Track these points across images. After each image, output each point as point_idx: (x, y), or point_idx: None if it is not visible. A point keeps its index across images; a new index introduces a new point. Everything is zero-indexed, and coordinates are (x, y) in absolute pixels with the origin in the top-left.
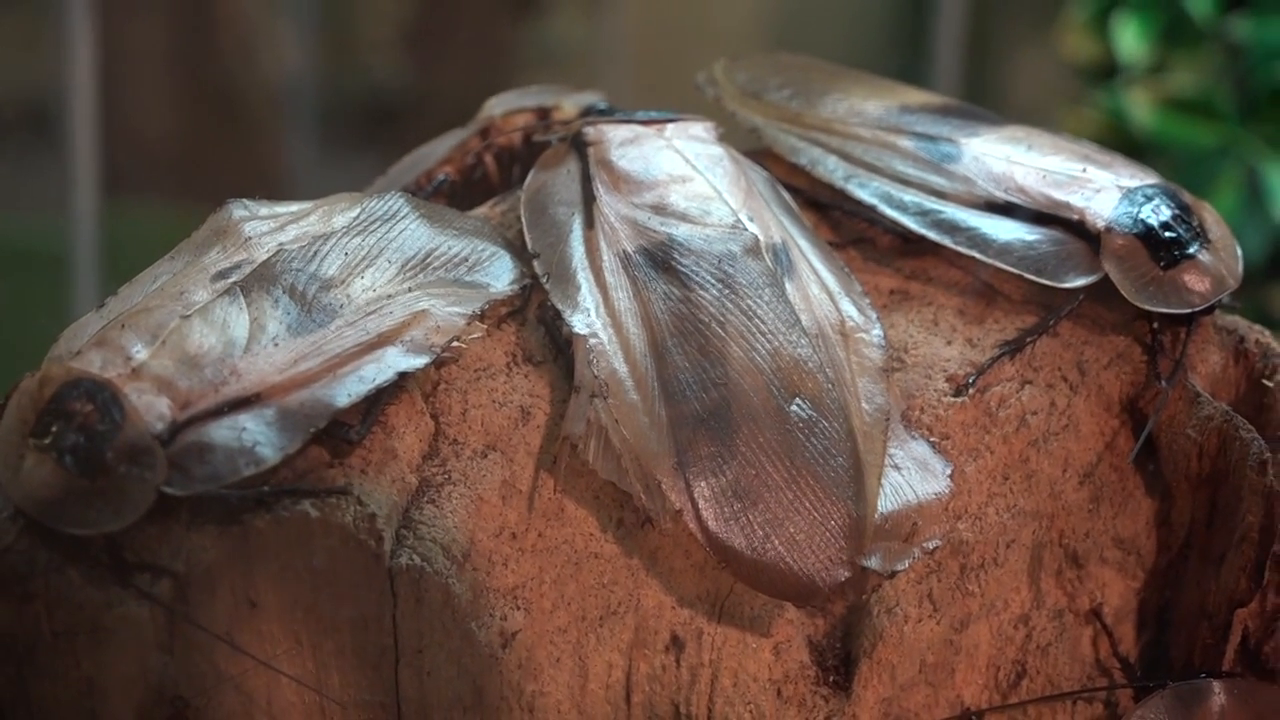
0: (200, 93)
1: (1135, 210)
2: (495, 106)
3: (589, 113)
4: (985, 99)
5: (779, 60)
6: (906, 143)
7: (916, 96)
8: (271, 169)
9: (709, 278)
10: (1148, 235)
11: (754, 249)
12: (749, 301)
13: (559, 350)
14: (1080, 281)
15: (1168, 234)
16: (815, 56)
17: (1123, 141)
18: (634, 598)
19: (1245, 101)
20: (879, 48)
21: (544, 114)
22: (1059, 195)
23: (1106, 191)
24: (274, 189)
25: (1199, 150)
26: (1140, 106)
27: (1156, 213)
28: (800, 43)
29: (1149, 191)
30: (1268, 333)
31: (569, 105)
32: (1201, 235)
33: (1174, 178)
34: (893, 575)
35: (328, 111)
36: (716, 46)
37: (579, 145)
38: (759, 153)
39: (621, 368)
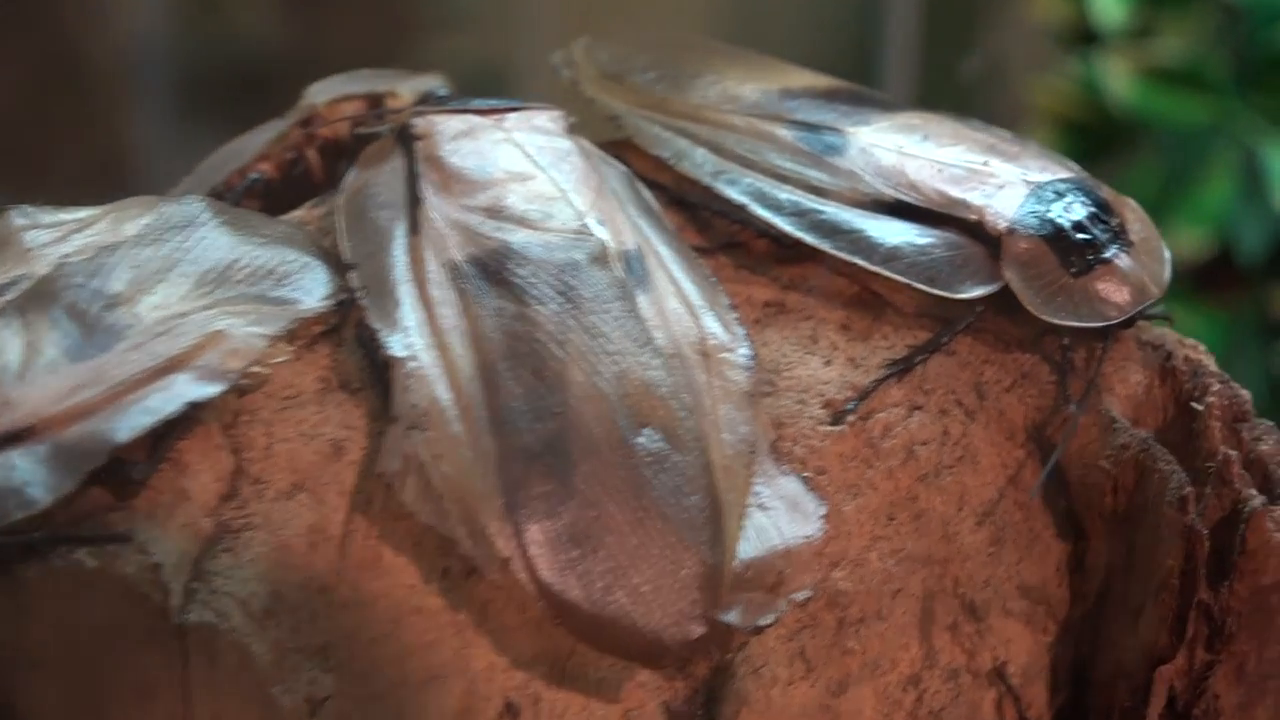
0: (34, 60)
1: (1043, 208)
2: (318, 93)
3: (428, 100)
4: (946, 67)
5: (648, 38)
6: (785, 132)
7: (801, 78)
8: (119, 150)
9: (548, 291)
10: (1056, 237)
11: (601, 257)
12: (593, 317)
13: (378, 375)
14: (978, 291)
15: (1080, 236)
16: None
17: (1098, 118)
18: (461, 659)
19: (1242, 71)
20: (835, 8)
21: (375, 101)
22: (956, 192)
23: (1011, 187)
24: (121, 173)
25: (1187, 128)
26: (1119, 77)
27: (1068, 211)
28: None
29: (1060, 187)
30: (1201, 347)
31: (405, 91)
32: (1121, 236)
33: (1159, 161)
34: (758, 631)
35: (188, 81)
36: (646, 7)
37: (405, 139)
38: (619, 145)
39: (444, 395)
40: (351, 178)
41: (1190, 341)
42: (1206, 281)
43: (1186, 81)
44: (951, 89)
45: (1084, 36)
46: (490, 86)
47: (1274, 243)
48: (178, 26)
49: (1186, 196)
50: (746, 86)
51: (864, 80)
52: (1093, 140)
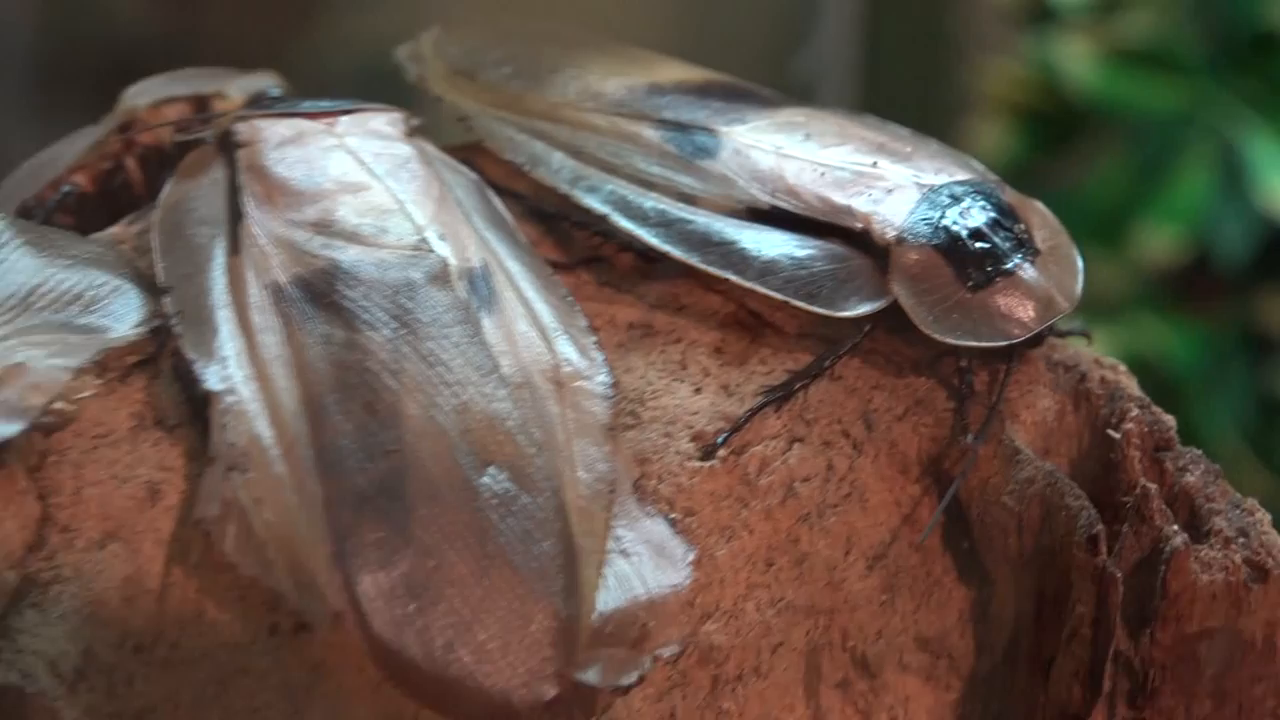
0: None
1: (936, 214)
2: (138, 95)
3: (259, 102)
4: (888, 46)
5: (505, 28)
6: (652, 133)
7: (671, 72)
8: None
9: (381, 314)
10: (951, 246)
11: (442, 275)
12: (431, 344)
13: (196, 411)
14: (865, 309)
15: (978, 244)
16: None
17: (1056, 106)
18: None
19: (1218, 51)
20: None
21: (202, 103)
22: (839, 198)
23: (901, 191)
24: None
25: (1157, 116)
26: (1078, 59)
27: (965, 217)
28: None
29: (957, 190)
30: (1121, 367)
31: (235, 92)
32: (1026, 244)
33: (1125, 154)
34: (621, 691)
35: (48, 68)
36: None
37: (228, 147)
38: (470, 149)
39: (266, 432)
40: (168, 191)
41: (1109, 361)
42: (1182, 289)
43: (1155, 63)
44: (897, 72)
45: (1039, 14)
46: (395, 73)
47: (1257, 243)
48: (36, 8)
49: (1157, 193)
50: (610, 82)
51: (799, 63)
52: (1050, 130)
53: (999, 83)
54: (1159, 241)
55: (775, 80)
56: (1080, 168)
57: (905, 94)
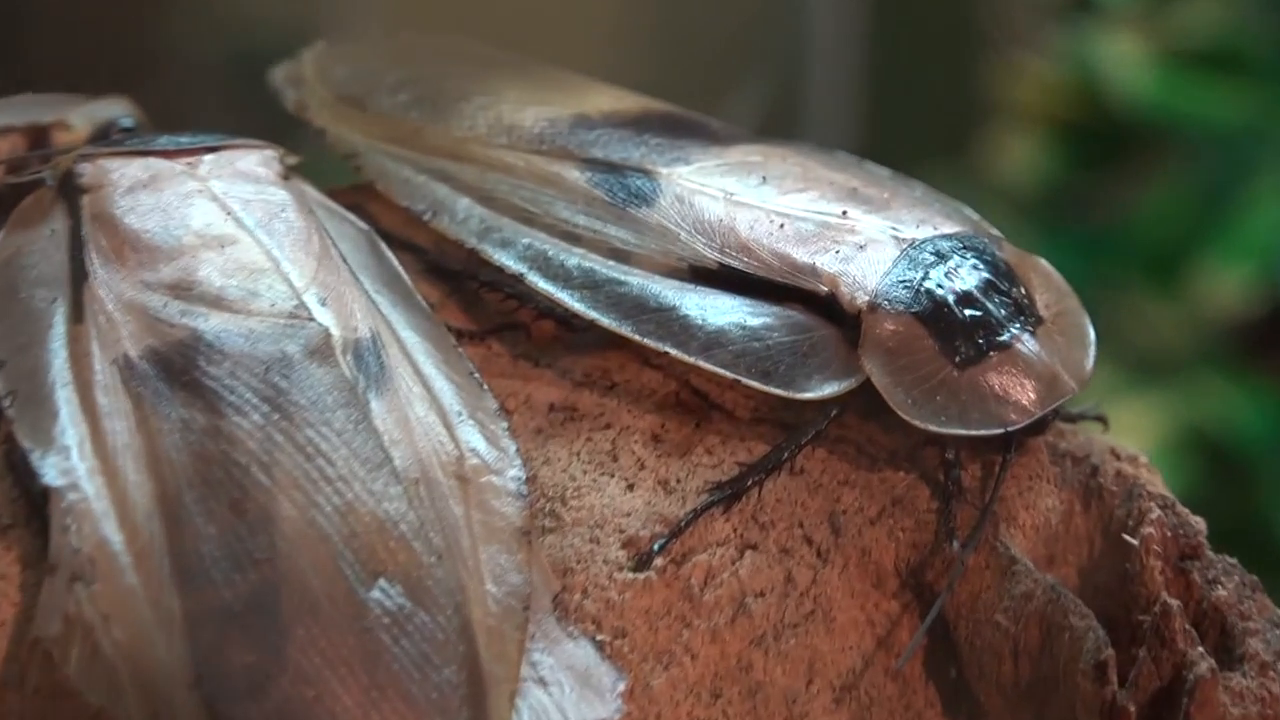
0: None
1: (917, 275)
2: None
3: (107, 135)
4: (895, 40)
5: (403, 43)
6: (577, 174)
7: (602, 99)
8: None
9: (250, 396)
10: (935, 314)
11: (323, 349)
12: (310, 432)
13: (33, 509)
14: (831, 389)
15: (968, 311)
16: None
17: (1097, 116)
18: None
19: None
20: None
21: (39, 137)
22: (801, 255)
23: (875, 247)
24: None
25: (1222, 129)
26: (1126, 61)
27: (952, 278)
28: None
29: (943, 245)
30: (1142, 458)
31: (79, 122)
32: (1026, 311)
33: (1185, 176)
34: None
35: None
36: None
37: (70, 191)
38: (359, 192)
39: (115, 535)
40: None
41: (1127, 451)
42: (1254, 343)
43: (1219, 66)
44: (906, 71)
45: (1076, 5)
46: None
47: None
48: None
49: (1224, 224)
50: (528, 112)
51: (798, 65)
52: (1092, 146)
53: (1029, 87)
54: (1225, 284)
55: (750, 83)
56: (1129, 192)
57: (916, 99)
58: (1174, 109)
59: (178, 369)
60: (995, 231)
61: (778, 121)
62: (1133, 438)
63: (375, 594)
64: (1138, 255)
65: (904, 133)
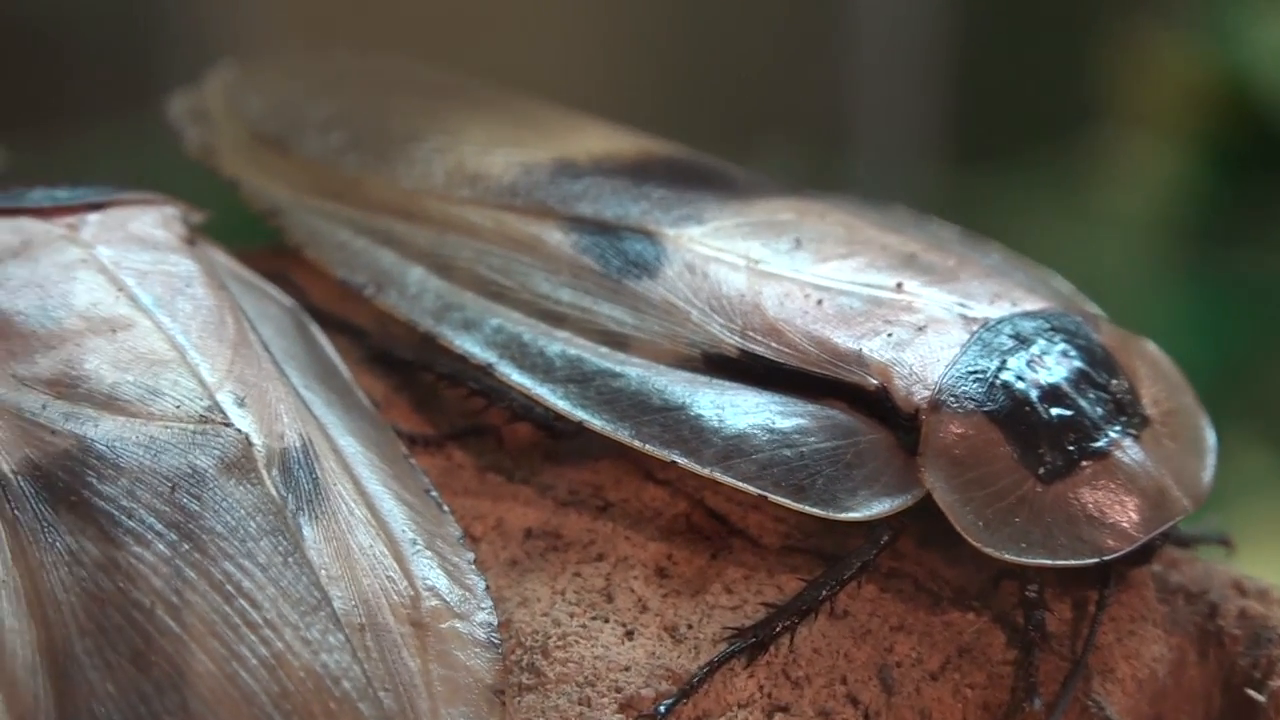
0: None
1: (991, 365)
2: None
3: None
4: (990, 17)
5: (333, 68)
6: (560, 237)
7: (591, 140)
8: None
9: (154, 522)
10: (1014, 415)
11: (243, 463)
12: (230, 566)
13: None
14: (880, 508)
15: (1055, 411)
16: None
17: (1251, 120)
18: None
19: None
20: None
21: None
22: (844, 339)
23: (939, 328)
24: None
25: None
26: None
27: (1035, 368)
28: None
29: (1024, 326)
30: (1274, 593)
31: None
32: (1128, 410)
33: None
34: None
35: None
36: None
37: None
38: (282, 258)
39: None
40: None
41: (1255, 584)
42: None
43: None
44: (1002, 55)
45: None
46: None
47: None
48: None
49: None
50: (497, 156)
51: (853, 66)
52: (1242, 160)
53: (1159, 80)
54: None
55: (799, 86)
56: None
57: (1014, 89)
58: None
59: (62, 488)
60: (1093, 309)
61: (824, 153)
62: None
63: None
64: None
65: (990, 143)
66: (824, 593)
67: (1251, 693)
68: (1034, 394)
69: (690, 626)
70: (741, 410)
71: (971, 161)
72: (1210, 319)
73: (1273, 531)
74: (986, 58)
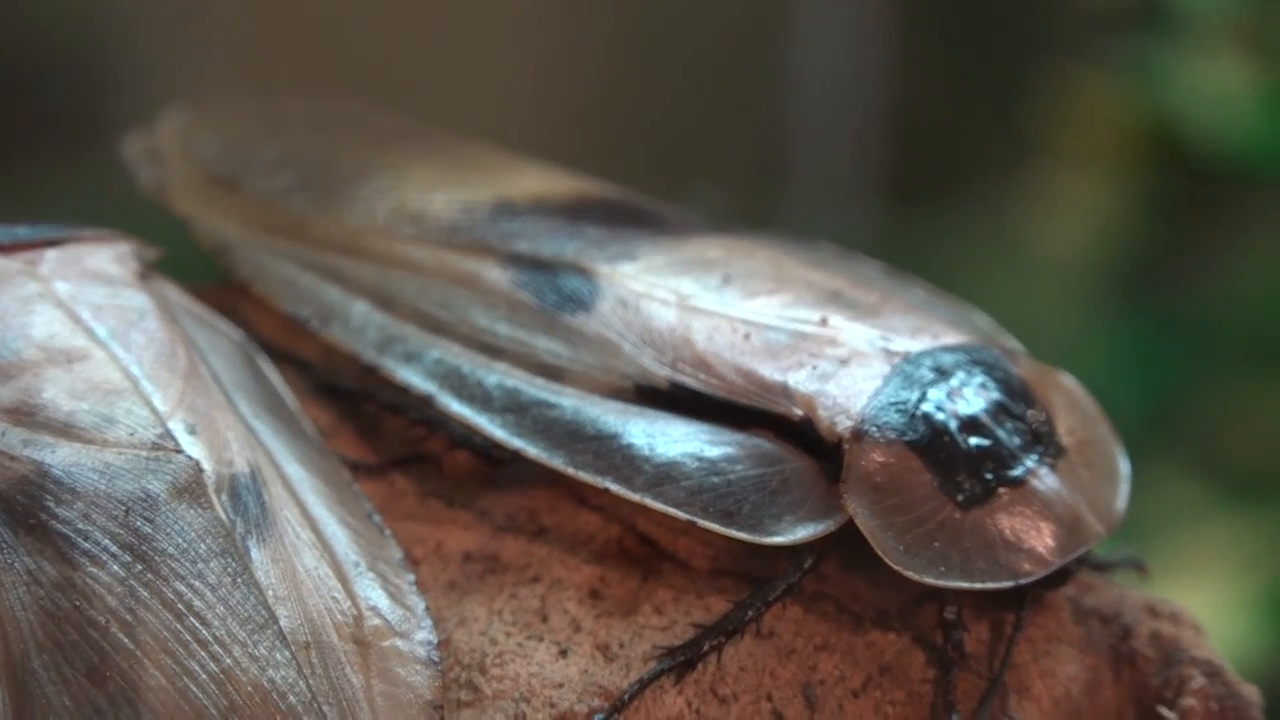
0: None
1: (912, 396)
2: None
3: None
4: (925, 54)
5: (282, 112)
6: (499, 274)
7: (529, 180)
8: None
9: (109, 544)
10: (934, 444)
11: (193, 488)
12: (181, 586)
13: None
14: (805, 533)
15: (973, 441)
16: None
17: (1179, 162)
18: None
19: None
20: None
21: None
22: (771, 371)
23: (862, 361)
24: None
25: None
26: (1219, 86)
27: (954, 399)
28: None
29: (945, 359)
30: (1185, 615)
31: None
32: (1044, 440)
33: None
34: None
35: None
36: None
37: None
38: (232, 293)
39: None
40: None
41: (1167, 607)
42: None
43: None
44: (939, 88)
45: (1149, 12)
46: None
47: None
48: None
49: None
50: (438, 196)
51: (789, 109)
52: (1172, 199)
53: (1093, 119)
54: None
55: (736, 127)
56: (1227, 253)
57: (948, 129)
58: None
59: (21, 511)
60: (1012, 343)
61: (760, 193)
62: (1224, 569)
63: None
64: (1238, 338)
65: (924, 183)
66: (750, 614)
67: (1163, 710)
68: (953, 424)
69: (622, 645)
70: (672, 439)
71: (906, 200)
72: (1140, 355)
73: (1200, 558)
74: (920, 98)
